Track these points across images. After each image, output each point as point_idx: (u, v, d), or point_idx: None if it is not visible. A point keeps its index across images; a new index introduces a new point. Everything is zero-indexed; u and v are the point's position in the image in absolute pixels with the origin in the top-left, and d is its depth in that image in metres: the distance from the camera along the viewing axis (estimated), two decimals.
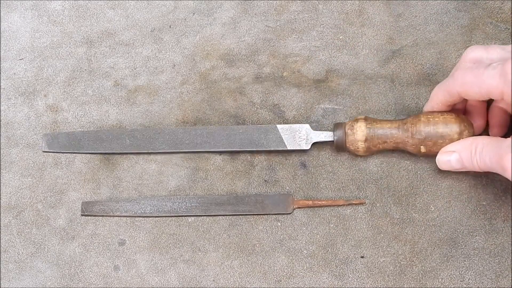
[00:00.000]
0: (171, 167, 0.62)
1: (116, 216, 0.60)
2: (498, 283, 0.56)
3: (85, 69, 0.66)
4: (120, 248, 0.60)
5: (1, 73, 0.67)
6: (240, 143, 0.61)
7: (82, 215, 0.61)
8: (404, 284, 0.57)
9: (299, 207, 0.59)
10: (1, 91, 0.66)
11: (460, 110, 0.59)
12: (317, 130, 0.61)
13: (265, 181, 0.61)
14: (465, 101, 0.59)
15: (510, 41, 0.63)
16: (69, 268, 0.59)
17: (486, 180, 0.59)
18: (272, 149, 0.60)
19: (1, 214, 0.61)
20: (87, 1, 0.69)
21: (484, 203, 0.58)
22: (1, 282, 0.59)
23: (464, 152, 0.55)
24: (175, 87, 0.65)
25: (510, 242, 0.57)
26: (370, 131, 0.58)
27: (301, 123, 0.62)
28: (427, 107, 0.59)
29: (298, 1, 0.67)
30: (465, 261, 0.57)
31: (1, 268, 0.60)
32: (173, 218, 0.60)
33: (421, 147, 0.57)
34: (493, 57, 0.55)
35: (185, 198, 0.60)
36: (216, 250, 0.59)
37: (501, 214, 0.58)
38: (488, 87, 0.52)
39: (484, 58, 0.55)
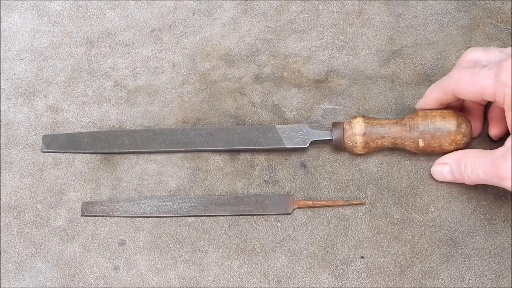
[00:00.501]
0: (171, 168, 0.62)
1: (116, 216, 0.60)
2: (498, 283, 0.56)
3: (85, 70, 0.66)
4: (120, 248, 0.60)
5: (1, 73, 0.67)
6: (239, 142, 0.61)
7: (82, 215, 0.61)
8: (404, 285, 0.57)
9: (299, 207, 0.59)
10: (1, 91, 0.66)
11: (456, 108, 0.60)
12: (314, 129, 0.61)
13: (265, 181, 0.61)
14: (460, 102, 0.59)
15: (510, 42, 0.63)
16: (69, 268, 0.59)
17: None
18: (271, 147, 0.60)
19: (1, 215, 0.61)
20: (87, 1, 0.69)
21: (484, 203, 0.58)
22: (1, 282, 0.59)
23: (454, 165, 0.56)
24: (175, 88, 0.65)
25: (510, 243, 0.57)
26: (368, 125, 0.58)
27: (301, 123, 0.62)
28: (419, 104, 0.59)
29: (298, 1, 0.67)
30: (465, 261, 0.57)
31: (1, 268, 0.60)
32: (173, 218, 0.60)
33: (419, 140, 0.57)
34: (491, 59, 0.55)
35: (185, 199, 0.60)
36: (216, 250, 0.59)
37: (501, 214, 0.58)
38: (481, 87, 0.52)
39: (483, 60, 0.55)
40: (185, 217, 0.60)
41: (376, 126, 0.58)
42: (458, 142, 0.57)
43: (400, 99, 0.63)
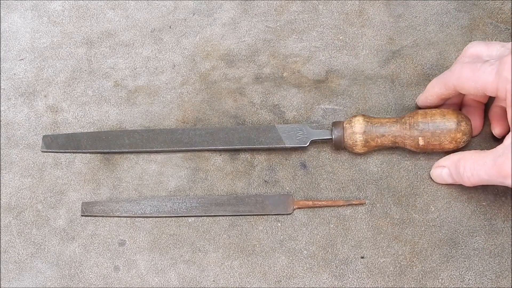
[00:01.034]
0: (171, 168, 0.62)
1: (116, 216, 0.60)
2: (498, 284, 0.56)
3: (85, 70, 0.66)
4: (120, 248, 0.60)
5: (1, 73, 0.67)
6: (239, 142, 0.61)
7: (82, 215, 0.61)
8: (404, 285, 0.57)
9: (299, 208, 0.59)
10: (1, 91, 0.66)
11: (455, 106, 0.60)
12: (314, 129, 0.61)
13: (265, 181, 0.61)
14: (460, 99, 0.60)
15: (510, 42, 0.63)
16: (69, 268, 0.59)
17: None
18: (271, 146, 0.60)
19: (1, 215, 0.61)
20: (87, 2, 0.69)
21: (484, 203, 0.58)
22: (1, 283, 0.59)
23: (452, 169, 0.56)
24: (175, 88, 0.65)
25: (510, 243, 0.57)
26: (368, 124, 0.58)
27: (301, 123, 0.62)
28: (420, 98, 0.59)
29: (298, 1, 0.67)
30: (465, 261, 0.57)
31: (1, 269, 0.60)
32: (173, 218, 0.60)
33: (419, 139, 0.57)
34: (493, 54, 0.55)
35: (185, 199, 0.60)
36: (216, 250, 0.59)
37: (501, 214, 0.58)
38: (483, 82, 0.52)
39: (484, 54, 0.55)
40: (185, 217, 0.60)
41: (376, 124, 0.58)
42: (458, 140, 0.57)
43: (400, 99, 0.63)
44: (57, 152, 0.63)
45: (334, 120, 0.62)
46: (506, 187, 0.58)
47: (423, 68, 0.64)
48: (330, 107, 0.63)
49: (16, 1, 0.69)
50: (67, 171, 0.62)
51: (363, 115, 0.59)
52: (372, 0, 0.66)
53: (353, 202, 0.59)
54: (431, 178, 0.59)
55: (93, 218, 0.61)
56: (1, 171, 0.63)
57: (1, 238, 0.61)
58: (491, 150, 0.52)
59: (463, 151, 0.57)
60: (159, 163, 0.62)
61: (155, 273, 0.59)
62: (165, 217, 0.60)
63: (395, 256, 0.57)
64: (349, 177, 0.60)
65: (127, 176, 0.62)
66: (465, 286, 0.56)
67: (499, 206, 0.58)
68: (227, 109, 0.64)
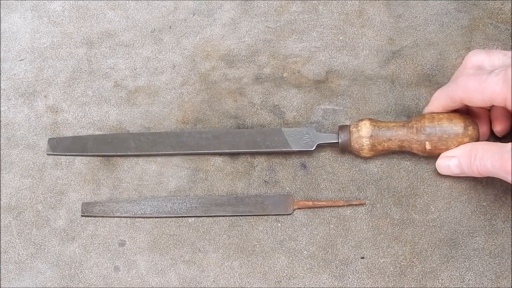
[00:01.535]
0: (171, 168, 0.62)
1: (116, 217, 0.60)
2: (498, 284, 0.56)
3: (85, 70, 0.66)
4: (120, 248, 0.60)
5: (1, 74, 0.67)
6: (245, 145, 0.61)
7: (82, 215, 0.61)
8: (404, 285, 0.57)
9: (299, 208, 0.59)
10: (1, 92, 0.66)
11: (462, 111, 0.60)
12: (320, 132, 0.61)
13: (265, 181, 0.61)
14: (466, 106, 0.59)
15: (510, 42, 0.63)
16: (69, 269, 0.59)
17: (486, 181, 0.59)
18: (278, 150, 0.60)
19: (1, 215, 0.61)
20: (87, 2, 0.69)
21: (484, 203, 0.58)
22: (1, 283, 0.59)
23: (463, 158, 0.56)
24: (175, 88, 0.65)
25: (510, 243, 0.57)
26: (375, 128, 0.58)
27: (301, 123, 0.62)
28: (426, 111, 0.59)
29: (298, 1, 0.67)
30: (465, 261, 0.57)
31: (1, 269, 0.60)
32: (173, 218, 0.60)
33: (426, 143, 0.57)
34: (495, 63, 0.55)
35: (185, 199, 0.60)
36: (216, 250, 0.59)
37: (501, 214, 0.58)
38: (491, 94, 0.52)
39: (486, 64, 0.55)
40: (185, 218, 0.60)
41: (383, 129, 0.58)
42: None
43: (400, 99, 0.63)
44: (62, 155, 0.63)
45: (334, 121, 0.62)
46: (506, 187, 0.58)
47: (423, 68, 0.64)
48: (330, 107, 0.63)
49: (16, 2, 0.70)
50: (67, 172, 0.62)
51: (370, 119, 0.59)
52: (372, 0, 0.66)
53: (353, 203, 0.59)
54: (431, 177, 0.59)
55: (93, 218, 0.61)
56: (1, 171, 0.63)
57: (1, 238, 0.61)
58: (503, 143, 0.53)
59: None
60: (159, 163, 0.62)
61: (155, 274, 0.59)
62: (165, 217, 0.60)
63: (395, 256, 0.57)
64: (349, 178, 0.60)
65: (127, 176, 0.62)
66: (465, 287, 0.56)
67: (499, 206, 0.58)
68: (227, 109, 0.64)
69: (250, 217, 0.60)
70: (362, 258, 0.58)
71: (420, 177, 0.60)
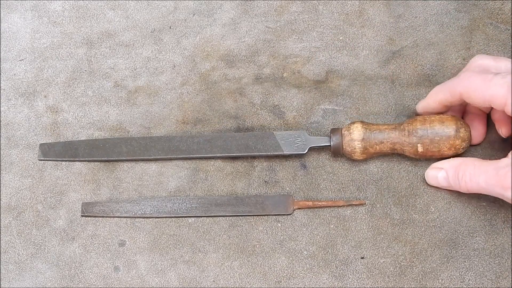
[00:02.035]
0: (171, 168, 0.62)
1: (116, 217, 0.60)
2: (498, 284, 0.56)
3: (85, 70, 0.66)
4: (120, 249, 0.60)
5: (1, 74, 0.67)
6: (237, 149, 0.61)
7: (82, 216, 0.61)
8: (404, 285, 0.57)
9: (299, 208, 0.59)
10: (1, 92, 0.66)
11: (458, 114, 0.59)
12: (315, 135, 0.61)
13: (265, 182, 0.61)
14: (463, 107, 0.59)
15: (510, 42, 0.63)
16: (69, 269, 0.59)
17: None
18: (269, 153, 0.60)
19: (1, 215, 0.61)
20: (87, 2, 0.69)
21: (484, 203, 0.58)
22: (1, 283, 0.59)
23: (451, 172, 0.56)
24: (175, 88, 0.65)
25: (510, 243, 0.57)
26: (367, 131, 0.58)
27: (301, 124, 0.62)
28: (421, 104, 0.59)
29: (298, 1, 0.67)
30: (465, 262, 0.57)
31: (1, 269, 0.60)
32: (173, 219, 0.60)
33: (418, 145, 0.57)
34: (502, 68, 0.54)
35: (185, 199, 0.60)
36: (216, 251, 0.59)
37: (501, 215, 0.58)
38: (492, 95, 0.51)
39: (492, 67, 0.55)
40: (185, 218, 0.60)
41: (374, 131, 0.58)
42: (457, 146, 0.57)
43: (400, 99, 0.63)
44: (54, 161, 0.63)
45: (334, 121, 0.62)
46: None
47: (423, 68, 0.64)
48: (330, 107, 0.63)
49: (16, 2, 0.70)
50: (67, 172, 0.62)
51: (362, 122, 0.59)
52: (372, 1, 0.66)
53: (353, 203, 0.59)
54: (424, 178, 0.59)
55: (93, 218, 0.61)
56: (1, 171, 0.63)
57: (1, 238, 0.61)
58: (494, 160, 0.52)
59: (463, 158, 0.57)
60: (159, 163, 0.62)
61: (155, 274, 0.59)
62: (165, 217, 0.60)
63: (395, 256, 0.57)
64: (349, 178, 0.60)
65: (127, 176, 0.62)
66: (465, 287, 0.56)
67: (499, 206, 0.58)
68: (227, 109, 0.64)
69: (250, 217, 0.60)
70: (362, 258, 0.58)
71: (420, 177, 0.60)
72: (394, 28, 0.65)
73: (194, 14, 0.68)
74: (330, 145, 0.59)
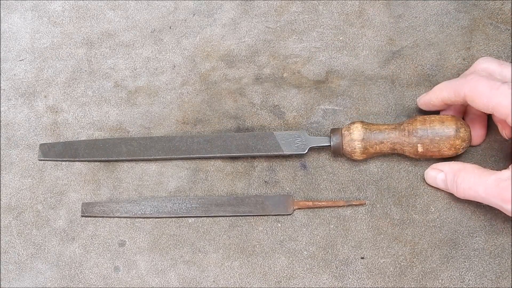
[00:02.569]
0: (171, 168, 0.62)
1: (116, 217, 0.60)
2: (498, 284, 0.56)
3: (85, 70, 0.66)
4: (120, 249, 0.60)
5: (1, 74, 0.67)
6: (237, 149, 0.61)
7: (82, 216, 0.61)
8: (404, 285, 0.57)
9: (299, 208, 0.59)
10: (1, 92, 0.66)
11: (459, 114, 0.59)
12: (315, 135, 0.61)
13: (265, 182, 0.61)
14: (464, 107, 0.59)
15: (510, 42, 0.63)
16: (69, 269, 0.59)
17: None
18: (269, 153, 0.60)
19: (1, 215, 0.61)
20: (87, 2, 0.69)
21: (484, 204, 0.58)
22: (1, 283, 0.59)
23: (450, 175, 0.56)
24: (175, 88, 0.65)
25: (510, 243, 0.57)
26: (367, 131, 0.58)
27: (301, 124, 0.62)
28: (423, 98, 0.59)
29: (298, 2, 0.67)
30: (465, 262, 0.57)
31: (1, 269, 0.60)
32: (173, 219, 0.60)
33: (418, 145, 0.57)
34: (506, 75, 0.54)
35: (185, 199, 0.60)
36: (216, 251, 0.59)
37: (501, 215, 0.58)
38: (497, 103, 0.51)
39: (497, 73, 0.55)
40: (185, 218, 0.60)
41: (374, 131, 0.58)
42: (457, 147, 0.57)
43: (400, 99, 0.63)
44: (54, 161, 0.63)
45: (334, 121, 0.62)
46: None
47: (423, 68, 0.64)
48: (330, 107, 0.63)
49: (16, 2, 0.70)
50: (67, 172, 0.62)
51: (362, 122, 0.59)
52: (372, 1, 0.66)
53: (353, 203, 0.59)
54: (424, 177, 0.59)
55: (93, 218, 0.61)
56: (1, 171, 0.63)
57: (1, 238, 0.61)
58: (495, 171, 0.52)
59: (463, 161, 0.57)
60: (159, 163, 0.62)
61: (155, 274, 0.59)
62: (165, 217, 0.60)
63: (395, 256, 0.57)
64: (349, 178, 0.60)
65: (127, 176, 0.62)
66: (465, 287, 0.56)
67: None
68: (227, 109, 0.64)
69: (250, 217, 0.60)
70: (362, 258, 0.58)
71: (420, 177, 0.60)
72: (394, 28, 0.65)
73: (194, 14, 0.68)
74: (330, 145, 0.59)
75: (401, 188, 0.59)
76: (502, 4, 0.65)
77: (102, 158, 0.62)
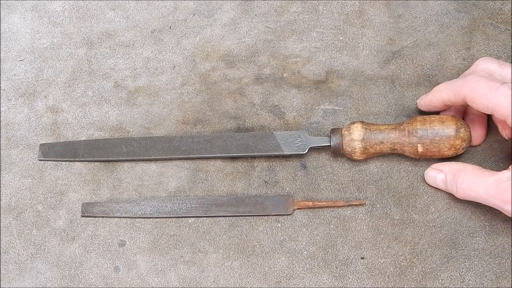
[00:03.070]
0: (171, 168, 0.62)
1: (116, 217, 0.60)
2: (498, 284, 0.56)
3: (85, 70, 0.66)
4: (120, 249, 0.60)
5: (2, 74, 0.67)
6: (237, 149, 0.61)
7: (82, 216, 0.61)
8: (404, 285, 0.57)
9: (299, 208, 0.59)
10: (1, 92, 0.66)
11: (458, 114, 0.59)
12: (315, 135, 0.61)
13: (265, 182, 0.61)
14: (464, 107, 0.59)
15: (510, 42, 0.63)
16: (69, 269, 0.59)
17: None
18: (269, 154, 0.60)
19: (1, 215, 0.61)
20: (87, 2, 0.69)
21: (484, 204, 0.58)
22: (1, 283, 0.59)
23: (450, 176, 0.56)
24: (175, 88, 0.65)
25: (510, 243, 0.57)
26: (367, 131, 0.58)
27: (301, 124, 0.62)
28: (423, 99, 0.59)
29: (298, 2, 0.67)
30: (465, 262, 0.57)
31: (1, 269, 0.60)
32: (173, 219, 0.60)
33: (418, 145, 0.57)
34: (506, 76, 0.54)
35: (185, 199, 0.60)
36: (216, 251, 0.59)
37: (501, 215, 0.58)
38: (497, 104, 0.51)
39: (497, 73, 0.55)
40: (185, 218, 0.60)
41: (374, 131, 0.58)
42: (458, 147, 0.57)
43: (400, 99, 0.63)
44: (54, 161, 0.63)
45: (334, 121, 0.62)
46: None
47: (423, 68, 0.64)
48: (330, 107, 0.63)
49: (16, 2, 0.70)
50: (67, 172, 0.62)
51: (362, 122, 0.59)
52: (372, 1, 0.66)
53: (353, 203, 0.59)
54: (423, 177, 0.59)
55: (93, 218, 0.61)
56: (1, 171, 0.63)
57: (1, 238, 0.61)
58: (495, 171, 0.52)
59: (463, 161, 0.57)
60: (159, 163, 0.62)
61: (155, 274, 0.59)
62: (165, 217, 0.60)
63: (395, 256, 0.57)
64: (349, 178, 0.60)
65: (127, 176, 0.62)
66: (465, 287, 0.56)
67: None
68: (227, 109, 0.64)
69: (250, 217, 0.60)
70: (362, 258, 0.58)
71: (420, 177, 0.60)
72: (394, 28, 0.65)
73: (194, 14, 0.68)
74: (330, 145, 0.59)
75: (401, 188, 0.59)
76: (502, 4, 0.65)
77: (102, 158, 0.62)
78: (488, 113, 0.53)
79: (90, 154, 0.62)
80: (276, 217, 0.60)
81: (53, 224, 0.61)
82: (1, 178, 0.63)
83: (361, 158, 0.59)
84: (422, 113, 0.61)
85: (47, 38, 0.68)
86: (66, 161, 0.62)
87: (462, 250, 0.57)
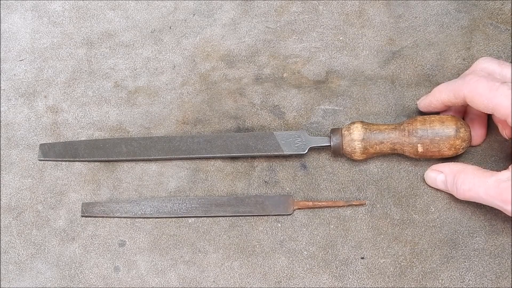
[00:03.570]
0: (171, 168, 0.62)
1: (116, 217, 0.61)
2: (498, 284, 0.56)
3: (85, 70, 0.66)
4: (120, 249, 0.60)
5: (1, 74, 0.67)
6: (237, 149, 0.61)
7: (82, 216, 0.61)
8: (404, 285, 0.57)
9: (299, 208, 0.59)
10: (1, 92, 0.66)
11: (459, 114, 0.59)
12: (315, 135, 0.61)
13: (265, 182, 0.61)
14: (464, 107, 0.59)
15: (510, 42, 0.63)
16: (69, 269, 0.59)
17: None
18: (269, 153, 0.60)
19: (1, 215, 0.61)
20: (87, 2, 0.69)
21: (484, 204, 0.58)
22: (1, 283, 0.59)
23: (450, 177, 0.56)
24: (175, 88, 0.65)
25: (510, 243, 0.57)
26: (367, 131, 0.58)
27: (301, 124, 0.62)
28: (423, 101, 0.59)
29: (298, 2, 0.67)
30: (465, 262, 0.57)
31: (1, 269, 0.60)
32: (173, 219, 0.60)
33: (418, 145, 0.57)
34: (506, 75, 0.54)
35: (185, 199, 0.60)
36: (216, 251, 0.59)
37: (501, 215, 0.58)
38: (497, 104, 0.51)
39: (497, 73, 0.55)
40: (185, 218, 0.60)
41: (374, 131, 0.58)
42: (458, 147, 0.57)
43: (400, 100, 0.63)
44: (54, 161, 0.63)
45: (334, 121, 0.62)
46: None
47: (423, 68, 0.64)
48: (330, 107, 0.63)
49: (16, 2, 0.70)
50: (67, 172, 0.62)
51: (362, 122, 0.59)
52: (372, 1, 0.66)
53: (353, 203, 0.59)
54: (423, 178, 0.59)
55: (93, 218, 0.61)
56: (1, 171, 0.63)
57: (1, 238, 0.61)
58: (495, 172, 0.52)
59: (463, 162, 0.57)
60: (159, 163, 0.62)
61: (155, 274, 0.59)
62: (165, 217, 0.60)
63: (395, 256, 0.57)
64: (349, 178, 0.60)
65: (127, 176, 0.62)
66: (465, 287, 0.56)
67: None
68: (227, 109, 0.64)
69: (250, 217, 0.60)
70: (362, 258, 0.58)
71: (420, 177, 0.60)
72: (394, 28, 0.65)
73: (194, 14, 0.68)
74: (330, 145, 0.59)
75: (401, 188, 0.59)
76: (502, 4, 0.65)
77: (102, 158, 0.62)
78: (488, 113, 0.53)
79: (90, 154, 0.62)
80: (276, 217, 0.60)
81: (53, 224, 0.61)
82: (1, 178, 0.63)
83: (361, 158, 0.59)
84: (422, 113, 0.61)
85: (47, 38, 0.68)
86: (66, 161, 0.63)
87: (462, 250, 0.57)
